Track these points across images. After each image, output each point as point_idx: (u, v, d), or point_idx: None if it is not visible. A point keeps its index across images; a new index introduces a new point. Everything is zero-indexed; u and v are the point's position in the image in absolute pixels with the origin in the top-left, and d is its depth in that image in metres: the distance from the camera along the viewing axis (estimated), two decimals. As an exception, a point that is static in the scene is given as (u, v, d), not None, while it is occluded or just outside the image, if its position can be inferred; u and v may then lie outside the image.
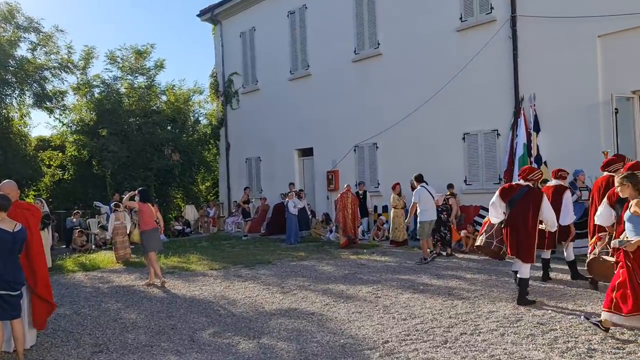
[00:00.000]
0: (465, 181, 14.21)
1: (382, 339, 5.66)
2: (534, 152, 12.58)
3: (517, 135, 12.86)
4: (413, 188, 11.66)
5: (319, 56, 18.20)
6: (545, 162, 12.53)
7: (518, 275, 7.07)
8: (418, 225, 11.18)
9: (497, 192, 7.22)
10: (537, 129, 12.65)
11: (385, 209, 16.23)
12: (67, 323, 6.99)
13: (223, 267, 11.26)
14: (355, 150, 17.20)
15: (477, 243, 7.86)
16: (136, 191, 9.98)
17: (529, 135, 12.69)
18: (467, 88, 13.91)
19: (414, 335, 5.75)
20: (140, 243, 10.42)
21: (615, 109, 11.13)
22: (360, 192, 16.17)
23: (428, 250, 11.01)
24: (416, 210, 10.99)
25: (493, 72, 13.42)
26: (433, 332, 5.83)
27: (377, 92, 16.32)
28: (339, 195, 14.70)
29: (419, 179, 11.34)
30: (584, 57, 11.84)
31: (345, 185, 15.08)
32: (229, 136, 22.57)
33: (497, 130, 13.53)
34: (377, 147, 16.54)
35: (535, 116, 12.65)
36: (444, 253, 11.52)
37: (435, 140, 14.75)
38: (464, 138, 14.24)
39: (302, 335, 5.94)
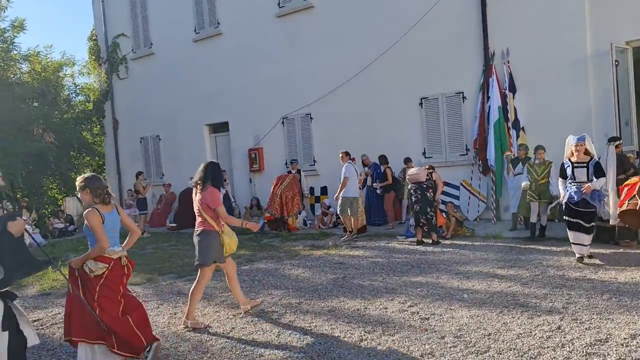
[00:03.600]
0: (424, 154, 12.20)
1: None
2: (511, 117, 10.85)
3: (489, 97, 11.05)
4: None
5: (233, 11, 15.11)
6: (523, 128, 10.88)
7: None
8: (340, 200, 10.43)
9: None
10: (512, 89, 10.92)
11: (324, 190, 13.81)
12: None
13: (147, 279, 8.13)
14: (283, 122, 14.50)
15: (626, 207, 6.64)
16: None
17: (503, 97, 10.93)
18: (425, 44, 11.84)
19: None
20: None
21: (616, 61, 9.66)
22: (293, 171, 13.59)
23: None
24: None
25: (456, 24, 11.45)
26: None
27: (309, 52, 13.71)
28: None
29: (349, 154, 10.83)
30: (568, 4, 10.24)
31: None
32: (117, 112, 18.64)
33: (462, 92, 11.63)
34: (311, 118, 13.99)
35: (510, 75, 10.91)
36: (430, 241, 9.39)
37: (385, 108, 12.55)
38: (421, 103, 12.19)
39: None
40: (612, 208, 7.64)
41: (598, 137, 9.61)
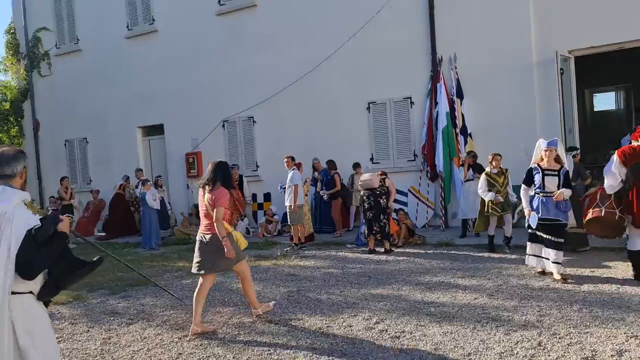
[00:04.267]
0: (371, 159, 11.90)
1: None
2: (459, 123, 10.76)
3: (437, 103, 10.91)
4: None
5: (169, 7, 14.26)
6: (470, 134, 10.82)
7: None
8: (290, 209, 9.92)
9: (617, 157, 6.08)
10: (460, 95, 10.84)
11: (267, 197, 13.22)
12: None
13: (74, 297, 7.23)
14: (224, 126, 13.80)
15: (591, 216, 6.36)
16: None
17: (451, 103, 10.83)
18: (373, 47, 11.57)
19: None
20: None
21: (561, 69, 9.76)
22: (235, 177, 12.93)
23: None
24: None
25: (404, 27, 11.25)
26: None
27: (252, 53, 13.11)
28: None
29: (294, 159, 10.35)
30: (514, 11, 10.28)
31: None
32: (38, 112, 17.18)
33: (410, 97, 11.44)
34: (254, 122, 13.38)
35: (458, 80, 10.83)
36: (382, 249, 9.04)
37: (332, 112, 12.15)
38: (368, 108, 11.91)
39: None
40: (570, 217, 7.60)
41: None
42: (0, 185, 2.80)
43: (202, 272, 5.30)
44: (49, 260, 2.84)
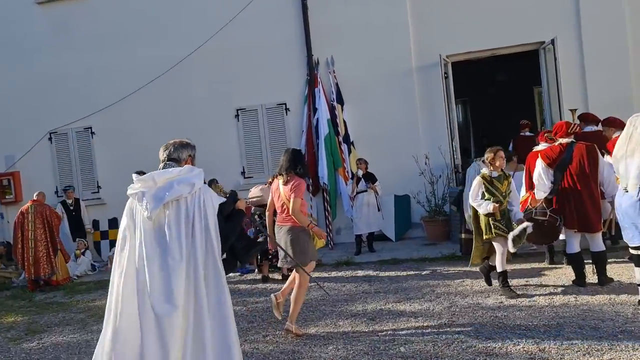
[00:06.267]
0: (243, 173, 10.51)
1: None
2: (341, 130, 9.95)
3: (316, 109, 9.99)
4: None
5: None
6: (352, 143, 10.08)
7: (591, 250, 5.77)
8: None
9: (540, 161, 5.91)
10: (340, 101, 10.07)
11: (113, 223, 10.94)
12: None
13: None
14: (51, 139, 11.18)
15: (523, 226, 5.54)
16: None
17: (331, 109, 10.00)
18: (240, 49, 10.26)
19: None
20: None
21: (445, 73, 9.51)
22: (69, 201, 10.49)
23: None
24: None
25: (276, 27, 10.17)
26: None
27: (87, 51, 10.84)
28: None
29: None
30: (392, 13, 9.85)
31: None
32: None
33: (285, 103, 10.34)
34: (92, 133, 11.05)
35: (337, 85, 10.06)
36: (280, 276, 7.70)
37: (194, 120, 10.46)
38: (237, 116, 10.52)
39: None
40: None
41: (434, 152, 9.36)
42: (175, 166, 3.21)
43: (293, 264, 4.96)
44: (234, 234, 3.32)
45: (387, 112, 9.82)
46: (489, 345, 4.30)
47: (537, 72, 9.96)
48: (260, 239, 4.29)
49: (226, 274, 3.10)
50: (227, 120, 10.50)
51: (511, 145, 9.76)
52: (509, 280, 5.77)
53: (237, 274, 8.33)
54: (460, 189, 8.20)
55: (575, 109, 8.46)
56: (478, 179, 5.84)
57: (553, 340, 4.24)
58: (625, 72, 9.11)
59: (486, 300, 5.58)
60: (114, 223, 10.90)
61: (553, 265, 6.79)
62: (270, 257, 7.66)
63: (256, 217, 7.66)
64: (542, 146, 6.83)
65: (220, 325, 2.93)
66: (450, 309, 5.41)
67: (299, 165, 4.99)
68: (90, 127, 11.02)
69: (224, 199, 3.31)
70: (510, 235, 5.48)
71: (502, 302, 5.47)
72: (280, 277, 7.67)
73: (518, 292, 5.63)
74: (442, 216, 9.27)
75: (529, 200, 6.19)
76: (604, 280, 5.72)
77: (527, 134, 9.79)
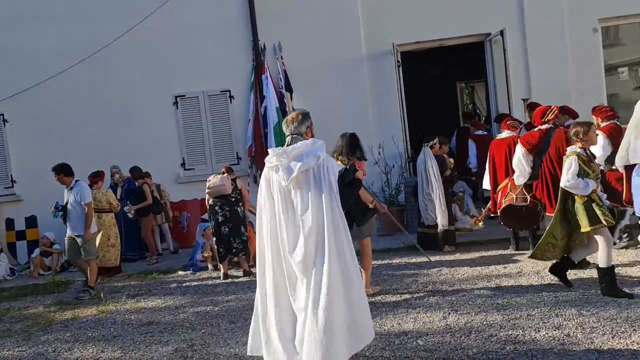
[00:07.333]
0: (183, 165, 9.75)
1: None
2: (291, 119, 9.50)
3: (263, 97, 9.48)
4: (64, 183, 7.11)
5: None
6: (303, 133, 9.67)
7: None
8: (81, 242, 6.83)
9: (520, 147, 6.00)
10: (289, 89, 9.64)
11: (32, 222, 9.73)
12: None
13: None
14: (-48, 127, 9.71)
15: (503, 206, 6.05)
16: None
17: (280, 96, 9.54)
18: (178, 31, 9.52)
19: None
20: None
21: (398, 61, 9.37)
22: (-22, 199, 9.18)
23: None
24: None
25: (218, 8, 9.53)
26: None
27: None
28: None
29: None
30: (342, 2, 9.56)
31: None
32: None
33: (229, 90, 9.73)
34: (5, 121, 9.75)
35: (285, 72, 9.61)
36: (240, 273, 7.14)
37: (127, 108, 9.59)
38: (176, 103, 9.74)
39: None
40: (439, 214, 7.12)
41: (387, 141, 9.22)
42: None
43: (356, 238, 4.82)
44: (351, 199, 4.09)
45: (338, 101, 9.52)
46: (509, 333, 4.12)
47: (462, 68, 10.19)
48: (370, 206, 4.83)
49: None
50: (165, 107, 9.70)
51: (454, 137, 10.08)
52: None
53: (189, 271, 7.67)
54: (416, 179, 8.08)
55: (528, 99, 8.67)
56: (574, 157, 4.68)
57: (580, 327, 4.14)
58: (564, 64, 9.48)
59: (477, 287, 5.45)
60: (32, 221, 9.72)
61: (519, 252, 6.81)
62: (235, 250, 7.06)
63: (215, 209, 7.05)
64: (505, 134, 6.93)
65: (341, 264, 3.44)
66: (445, 298, 5.20)
67: (358, 149, 5.37)
68: (2, 114, 9.70)
69: (345, 167, 4.34)
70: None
71: (497, 285, 5.38)
72: (241, 274, 7.11)
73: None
74: (397, 206, 9.13)
75: (509, 186, 6.19)
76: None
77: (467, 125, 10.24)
